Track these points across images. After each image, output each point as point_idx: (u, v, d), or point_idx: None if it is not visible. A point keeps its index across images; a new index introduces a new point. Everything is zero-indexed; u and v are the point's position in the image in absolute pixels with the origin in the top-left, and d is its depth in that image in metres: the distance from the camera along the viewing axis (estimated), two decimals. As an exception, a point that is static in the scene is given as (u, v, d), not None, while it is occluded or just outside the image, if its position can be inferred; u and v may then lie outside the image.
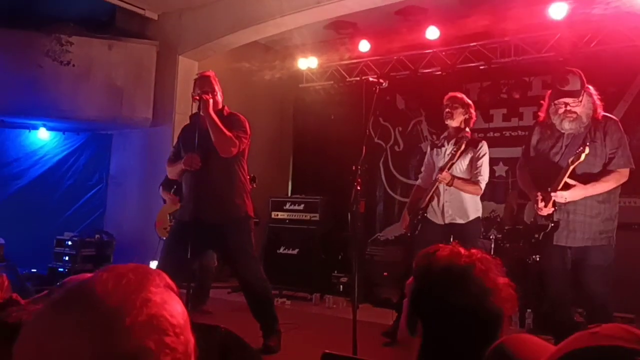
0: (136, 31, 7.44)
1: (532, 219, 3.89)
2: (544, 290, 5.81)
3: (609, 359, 0.74)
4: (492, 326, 1.28)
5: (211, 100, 4.04)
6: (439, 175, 4.42)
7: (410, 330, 1.35)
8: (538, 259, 5.02)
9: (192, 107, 4.52)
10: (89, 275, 0.78)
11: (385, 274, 6.69)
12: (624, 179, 3.59)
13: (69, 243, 6.94)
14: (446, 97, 4.66)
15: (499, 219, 6.74)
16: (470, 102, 4.70)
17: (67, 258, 6.86)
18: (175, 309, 0.76)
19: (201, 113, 4.02)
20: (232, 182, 4.18)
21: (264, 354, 4.07)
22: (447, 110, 4.59)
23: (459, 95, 4.66)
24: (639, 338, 0.75)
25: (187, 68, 7.31)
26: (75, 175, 7.96)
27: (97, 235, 7.26)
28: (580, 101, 3.62)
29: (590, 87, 3.68)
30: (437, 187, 4.52)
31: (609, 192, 3.61)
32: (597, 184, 3.58)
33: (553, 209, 3.65)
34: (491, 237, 6.26)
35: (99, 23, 7.44)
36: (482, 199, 7.05)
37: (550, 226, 3.71)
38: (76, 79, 6.84)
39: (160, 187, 5.72)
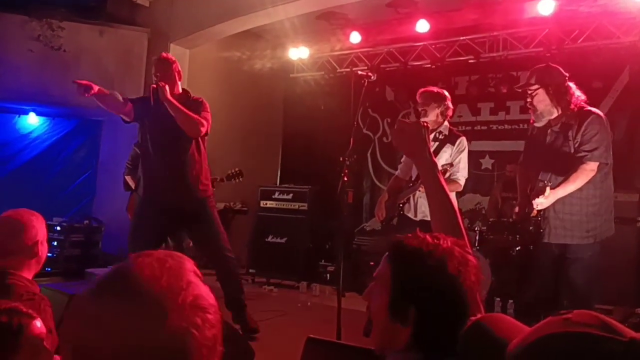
0: (127, 18, 7.43)
1: (512, 217, 3.99)
2: (527, 281, 5.94)
3: (579, 345, 0.76)
4: (469, 300, 1.32)
5: (167, 87, 4.03)
6: (422, 186, 4.17)
7: (402, 321, 1.31)
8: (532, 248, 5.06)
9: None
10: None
11: (371, 263, 6.78)
12: (593, 173, 3.59)
13: (58, 228, 6.95)
14: (418, 93, 4.58)
15: (483, 211, 6.86)
16: (445, 93, 4.56)
17: (55, 243, 6.87)
18: (208, 291, 0.85)
19: (160, 99, 4.03)
20: (199, 164, 4.25)
21: (249, 338, 4.19)
22: (421, 109, 4.54)
23: (430, 89, 4.56)
24: (608, 325, 0.77)
25: (178, 56, 7.25)
26: (65, 161, 7.96)
27: (85, 221, 7.28)
28: (532, 95, 3.73)
29: (571, 84, 3.73)
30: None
31: (594, 187, 3.64)
32: (567, 184, 3.63)
33: (535, 211, 3.71)
34: (476, 229, 6.37)
35: (90, 9, 7.42)
36: (468, 191, 7.21)
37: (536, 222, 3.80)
38: (66, 65, 6.83)
39: (131, 175, 5.45)
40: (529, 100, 3.80)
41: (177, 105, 4.02)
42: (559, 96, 3.70)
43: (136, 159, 5.30)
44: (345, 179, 3.93)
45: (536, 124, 3.86)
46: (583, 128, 3.65)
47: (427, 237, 1.37)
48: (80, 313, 0.79)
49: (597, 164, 3.60)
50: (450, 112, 4.60)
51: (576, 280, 3.68)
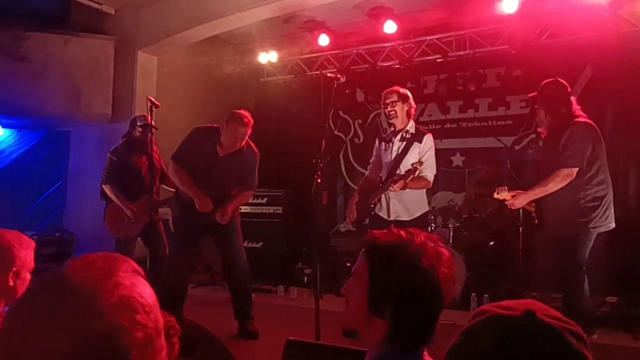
0: (93, 26, 7.33)
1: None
2: (501, 275, 6.07)
3: (492, 327, 0.83)
4: (444, 292, 1.36)
5: (229, 213, 4.58)
6: (393, 186, 4.33)
7: (381, 315, 1.35)
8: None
9: (148, 106, 4.59)
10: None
11: (348, 264, 6.81)
12: (569, 178, 4.03)
13: (28, 242, 6.81)
14: (384, 94, 4.64)
15: (456, 208, 6.95)
16: (408, 93, 4.66)
17: (26, 257, 6.74)
18: (144, 290, 0.83)
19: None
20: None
21: (246, 339, 4.43)
22: (389, 110, 4.57)
23: (396, 89, 4.63)
24: (504, 306, 0.85)
25: (146, 63, 7.26)
26: (33, 173, 7.80)
27: (57, 234, 7.16)
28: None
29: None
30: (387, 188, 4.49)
31: (582, 180, 4.06)
32: (538, 187, 4.16)
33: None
34: (450, 225, 6.45)
35: (54, 18, 7.30)
36: (440, 189, 7.30)
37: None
38: (32, 75, 6.71)
39: (110, 185, 5.35)
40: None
41: (235, 208, 4.72)
42: (549, 108, 4.20)
43: (114, 167, 5.32)
44: (319, 180, 3.95)
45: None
46: (564, 137, 4.07)
47: (402, 232, 1.40)
48: (9, 320, 0.79)
49: (572, 169, 4.02)
50: (413, 111, 4.69)
51: (563, 268, 4.25)
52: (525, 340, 0.80)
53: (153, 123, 4.68)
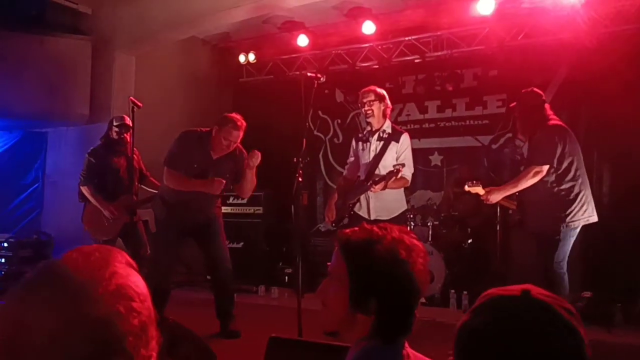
0: (69, 25, 7.24)
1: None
2: (479, 272, 6.16)
3: (493, 304, 0.98)
4: (420, 282, 1.39)
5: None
6: (374, 187, 4.39)
7: (365, 311, 1.36)
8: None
9: (130, 107, 4.60)
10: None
11: (328, 263, 6.83)
12: (539, 175, 4.20)
13: (5, 245, 6.72)
14: (361, 93, 4.69)
15: (435, 207, 7.02)
16: (383, 92, 4.70)
17: (3, 260, 6.66)
18: (138, 280, 0.87)
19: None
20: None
21: (228, 339, 4.45)
22: (366, 109, 4.62)
23: (371, 88, 4.68)
24: (514, 288, 0.98)
25: (123, 63, 7.19)
26: (9, 174, 7.69)
27: (34, 236, 7.07)
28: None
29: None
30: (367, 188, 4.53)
31: (554, 177, 4.24)
32: (510, 184, 4.39)
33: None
34: (429, 224, 6.52)
35: (29, 18, 7.20)
36: (418, 187, 7.37)
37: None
38: (7, 76, 6.61)
39: (88, 186, 5.32)
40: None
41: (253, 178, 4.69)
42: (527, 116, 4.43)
43: (92, 168, 5.29)
44: (300, 179, 3.98)
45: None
46: (533, 139, 4.36)
47: (374, 228, 1.43)
48: (8, 308, 0.81)
49: (541, 167, 4.20)
50: (389, 111, 4.75)
51: (545, 263, 4.37)
52: (522, 313, 0.93)
53: (131, 124, 4.66)
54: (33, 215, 7.69)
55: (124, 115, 5.37)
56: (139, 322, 0.82)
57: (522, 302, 0.95)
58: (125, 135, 5.30)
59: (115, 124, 5.32)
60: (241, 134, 4.54)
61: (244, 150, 4.74)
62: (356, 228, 1.46)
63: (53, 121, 7.28)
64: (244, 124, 4.56)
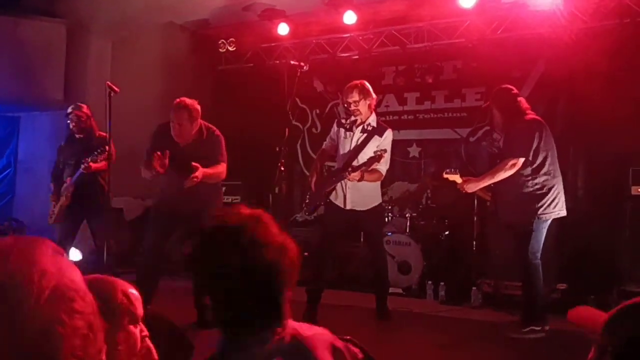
0: (44, 8, 7.07)
1: None
2: (456, 264, 6.21)
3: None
4: (272, 279, 1.31)
5: (199, 174, 4.26)
6: (350, 175, 4.44)
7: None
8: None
9: (106, 91, 4.51)
10: None
11: (306, 253, 6.83)
12: (515, 167, 4.31)
13: (-25, 232, 6.60)
14: (344, 91, 4.68)
15: (410, 196, 7.06)
16: (367, 86, 4.67)
17: (-27, 247, 6.51)
18: (72, 273, 0.75)
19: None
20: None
21: (206, 328, 4.28)
22: (352, 108, 4.60)
23: (358, 83, 4.66)
24: None
25: (99, 48, 7.06)
26: (-20, 160, 7.52)
27: (5, 222, 6.94)
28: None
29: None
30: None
31: (529, 170, 4.34)
32: (487, 175, 4.49)
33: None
34: (407, 215, 6.54)
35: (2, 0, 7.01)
36: (397, 179, 7.39)
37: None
38: (-21, 58, 6.45)
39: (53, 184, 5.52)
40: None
41: (208, 174, 4.38)
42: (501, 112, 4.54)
43: (55, 168, 5.49)
44: (282, 168, 3.95)
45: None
46: (512, 132, 4.47)
47: (222, 216, 1.39)
48: None
49: (516, 159, 4.30)
50: (375, 102, 4.76)
51: (518, 253, 4.53)
52: None
53: (109, 109, 4.60)
54: (4, 202, 7.53)
55: (81, 104, 5.45)
56: (84, 322, 0.72)
57: None
58: (72, 124, 5.34)
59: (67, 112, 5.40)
60: (184, 113, 4.46)
61: (218, 132, 4.72)
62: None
63: (26, 106, 7.12)
64: (186, 102, 4.51)
